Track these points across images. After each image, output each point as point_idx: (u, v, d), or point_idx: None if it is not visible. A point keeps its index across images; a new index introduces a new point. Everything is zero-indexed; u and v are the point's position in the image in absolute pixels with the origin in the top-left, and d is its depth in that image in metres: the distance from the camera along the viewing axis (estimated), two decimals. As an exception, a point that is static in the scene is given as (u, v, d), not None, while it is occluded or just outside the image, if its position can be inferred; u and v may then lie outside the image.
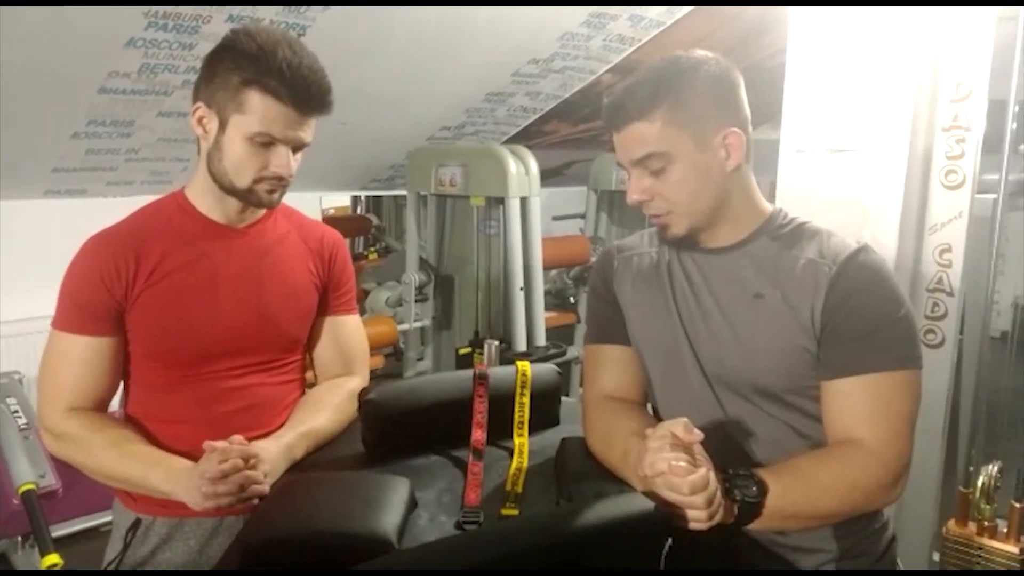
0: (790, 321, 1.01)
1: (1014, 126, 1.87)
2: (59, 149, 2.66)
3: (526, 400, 1.28)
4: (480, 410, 1.24)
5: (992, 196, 1.97)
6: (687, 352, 1.08)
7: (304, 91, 1.12)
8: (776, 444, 1.04)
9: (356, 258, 5.57)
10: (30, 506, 1.74)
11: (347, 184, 4.05)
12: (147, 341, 1.22)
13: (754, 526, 0.93)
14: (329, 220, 4.74)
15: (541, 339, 2.97)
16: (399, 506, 0.98)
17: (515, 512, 1.02)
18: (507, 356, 2.85)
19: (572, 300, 3.95)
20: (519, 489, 1.09)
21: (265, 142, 1.14)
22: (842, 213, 1.87)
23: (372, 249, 5.38)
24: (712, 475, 0.86)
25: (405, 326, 3.09)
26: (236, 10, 2.28)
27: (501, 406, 1.26)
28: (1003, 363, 3.04)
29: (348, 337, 1.38)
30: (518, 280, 2.86)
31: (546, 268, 3.35)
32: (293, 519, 0.94)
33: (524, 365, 1.31)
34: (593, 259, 3.78)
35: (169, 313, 1.21)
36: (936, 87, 1.79)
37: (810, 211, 1.85)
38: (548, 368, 1.36)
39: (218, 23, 2.29)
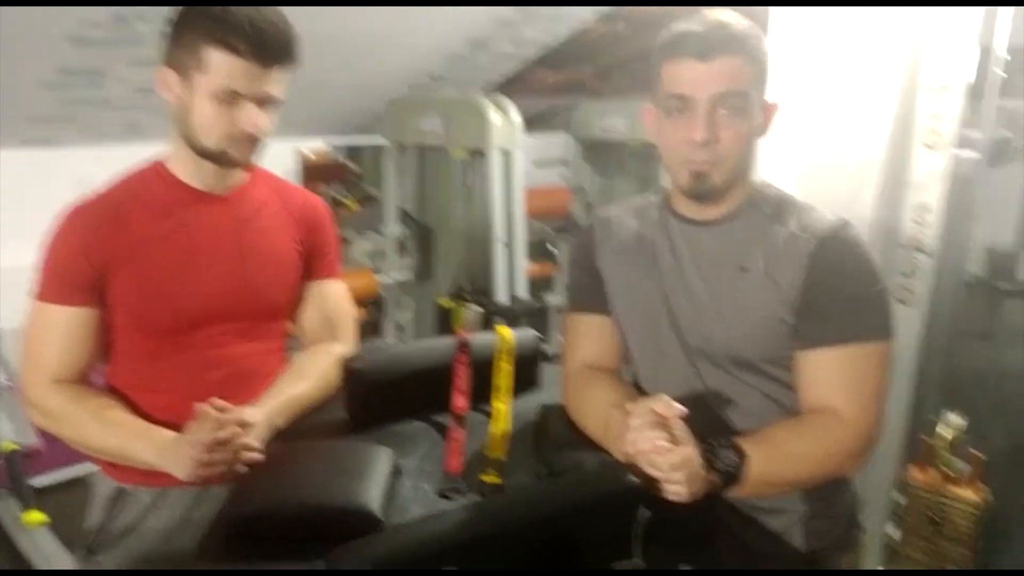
0: (771, 294, 1.03)
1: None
2: (27, 98, 2.59)
3: (506, 365, 1.30)
4: (462, 376, 1.26)
5: (974, 155, 1.98)
6: (667, 322, 1.10)
7: (262, 43, 1.10)
8: (753, 412, 1.08)
9: (335, 204, 5.52)
10: (13, 467, 1.74)
11: (325, 130, 3.99)
12: (129, 310, 1.22)
13: (733, 494, 0.96)
14: (306, 167, 4.66)
15: (523, 291, 2.98)
16: (382, 476, 1.00)
17: (497, 480, 1.05)
18: (489, 309, 2.88)
19: (554, 250, 3.96)
20: (501, 456, 1.11)
21: (229, 99, 1.12)
22: (823, 170, 1.88)
23: (350, 196, 5.30)
24: (693, 451, 0.89)
25: (385, 278, 3.09)
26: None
27: (482, 373, 1.28)
28: (976, 308, 3.10)
29: (333, 303, 1.38)
30: (500, 232, 2.86)
31: (528, 218, 3.34)
32: (278, 491, 0.96)
33: (505, 331, 1.33)
34: (574, 209, 3.78)
35: (151, 282, 1.21)
36: (922, 45, 1.78)
37: (792, 169, 1.90)
38: (529, 334, 1.38)
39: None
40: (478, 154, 2.91)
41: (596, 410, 1.07)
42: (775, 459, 0.97)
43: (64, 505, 1.52)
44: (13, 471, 1.74)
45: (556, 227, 3.91)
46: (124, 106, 2.86)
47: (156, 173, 1.25)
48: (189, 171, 1.23)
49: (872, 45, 1.78)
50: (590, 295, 1.19)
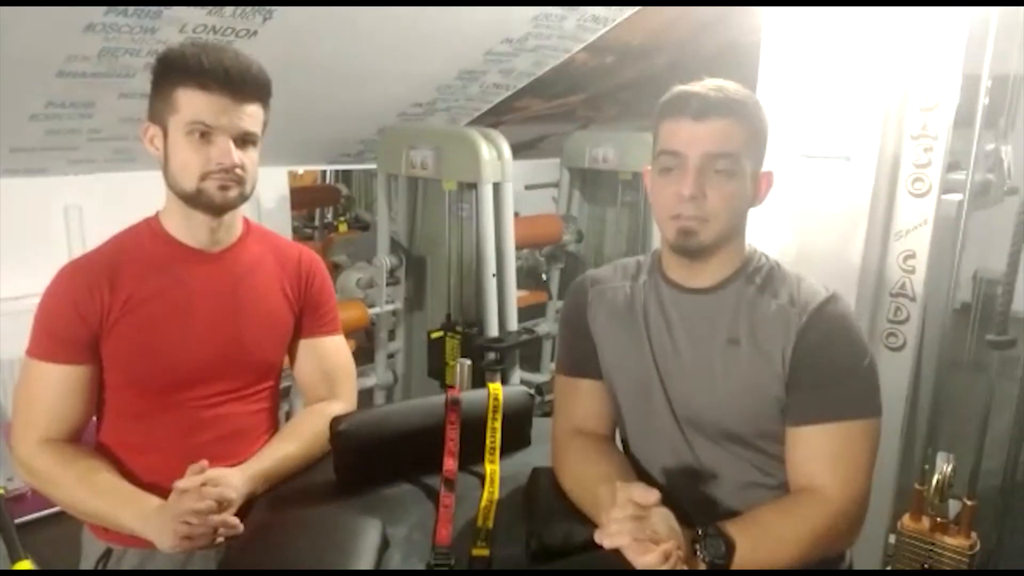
0: (762, 369, 1.03)
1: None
2: (16, 130, 2.58)
3: (498, 425, 1.30)
4: (452, 438, 1.25)
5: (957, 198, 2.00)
6: (658, 391, 1.10)
7: (229, 78, 1.13)
8: (742, 483, 1.07)
9: (326, 227, 5.53)
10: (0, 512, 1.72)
11: (315, 158, 3.99)
12: (122, 369, 1.22)
13: None
14: (298, 190, 4.67)
15: (513, 324, 2.98)
16: (370, 552, 0.99)
17: (485, 553, 1.04)
18: (479, 342, 2.87)
19: (544, 278, 3.96)
20: (490, 524, 1.11)
21: (202, 132, 1.13)
22: (811, 218, 1.89)
23: (342, 219, 5.32)
24: (673, 547, 0.87)
25: (376, 309, 3.08)
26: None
27: (473, 431, 1.28)
28: (963, 335, 3.10)
29: (332, 359, 1.38)
30: (490, 266, 2.85)
31: (519, 248, 3.35)
32: (265, 569, 0.95)
33: (496, 388, 1.33)
34: (565, 237, 3.79)
35: (144, 341, 1.20)
36: (907, 95, 1.79)
37: (780, 216, 1.91)
38: (519, 390, 1.38)
39: (181, 8, 2.22)
40: (469, 186, 2.91)
41: (585, 483, 1.07)
42: (763, 545, 0.97)
43: (53, 539, 1.50)
44: (0, 517, 1.72)
45: (547, 254, 3.92)
46: (113, 136, 2.85)
47: (149, 229, 1.25)
48: (180, 227, 1.24)
49: (858, 92, 1.80)
50: (581, 358, 1.18)
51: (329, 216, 5.52)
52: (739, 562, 0.94)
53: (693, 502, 1.07)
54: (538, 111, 4.10)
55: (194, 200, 1.18)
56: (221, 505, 1.08)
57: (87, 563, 1.28)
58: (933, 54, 1.75)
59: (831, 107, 1.83)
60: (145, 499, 1.14)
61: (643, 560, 0.85)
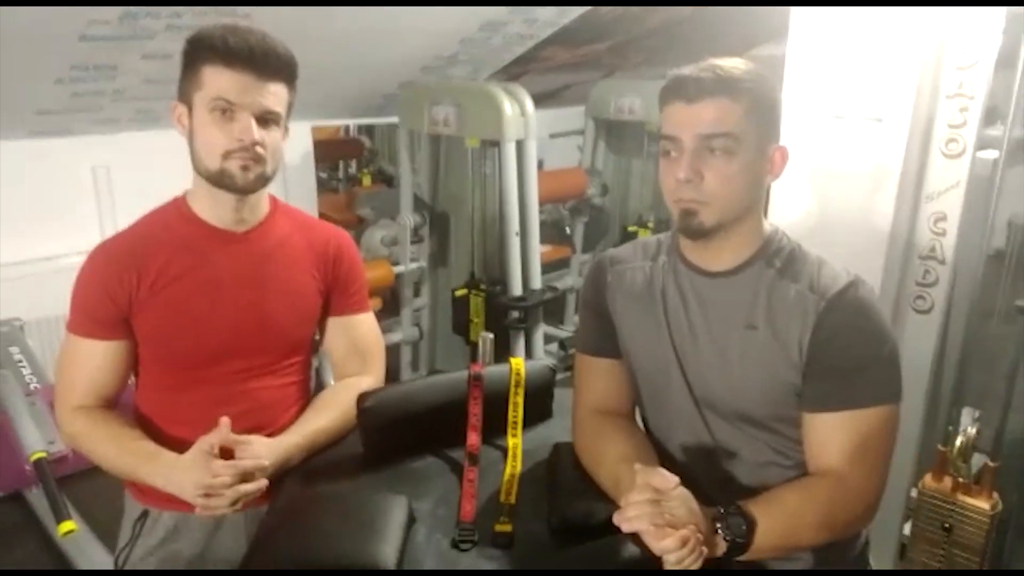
0: (779, 356, 1.03)
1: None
2: (43, 93, 2.60)
3: (520, 400, 1.31)
4: (475, 413, 1.28)
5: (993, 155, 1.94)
6: (676, 372, 1.11)
7: (253, 56, 1.14)
8: (759, 463, 1.09)
9: (350, 180, 5.52)
10: (42, 474, 1.81)
11: (338, 113, 3.96)
12: (152, 345, 1.27)
13: (736, 557, 0.97)
14: (320, 144, 4.66)
15: (537, 282, 2.98)
16: (397, 529, 1.03)
17: (508, 529, 1.07)
18: (503, 300, 2.89)
19: (568, 231, 3.95)
20: (512, 500, 1.14)
21: (224, 109, 1.15)
22: (840, 180, 1.86)
23: (365, 172, 5.31)
24: (690, 532, 0.88)
25: (401, 267, 3.11)
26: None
27: (495, 405, 1.30)
28: (996, 282, 3.02)
29: (362, 336, 1.40)
30: (514, 224, 2.85)
31: (543, 203, 3.33)
32: (296, 546, 0.99)
33: (518, 363, 1.34)
34: (590, 191, 3.75)
35: (172, 319, 1.24)
36: (943, 53, 1.73)
37: (809, 178, 1.87)
38: (541, 364, 1.39)
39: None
40: (492, 143, 2.89)
41: (606, 462, 1.09)
42: (783, 525, 0.98)
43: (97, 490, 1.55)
44: (44, 480, 1.81)
45: (571, 208, 3.90)
46: (137, 96, 2.86)
47: (177, 210, 1.28)
48: (206, 208, 1.26)
49: (891, 50, 1.74)
50: (600, 338, 1.19)
51: (353, 168, 5.51)
52: (758, 541, 0.95)
53: (711, 480, 1.09)
54: (563, 60, 4.02)
55: (218, 180, 1.20)
56: (248, 475, 1.12)
57: (128, 522, 1.35)
58: (972, 9, 1.68)
59: (863, 66, 1.77)
60: (165, 455, 1.19)
61: (661, 545, 0.87)
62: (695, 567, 0.88)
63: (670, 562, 0.88)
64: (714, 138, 1.00)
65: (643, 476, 0.91)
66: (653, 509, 0.89)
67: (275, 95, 1.18)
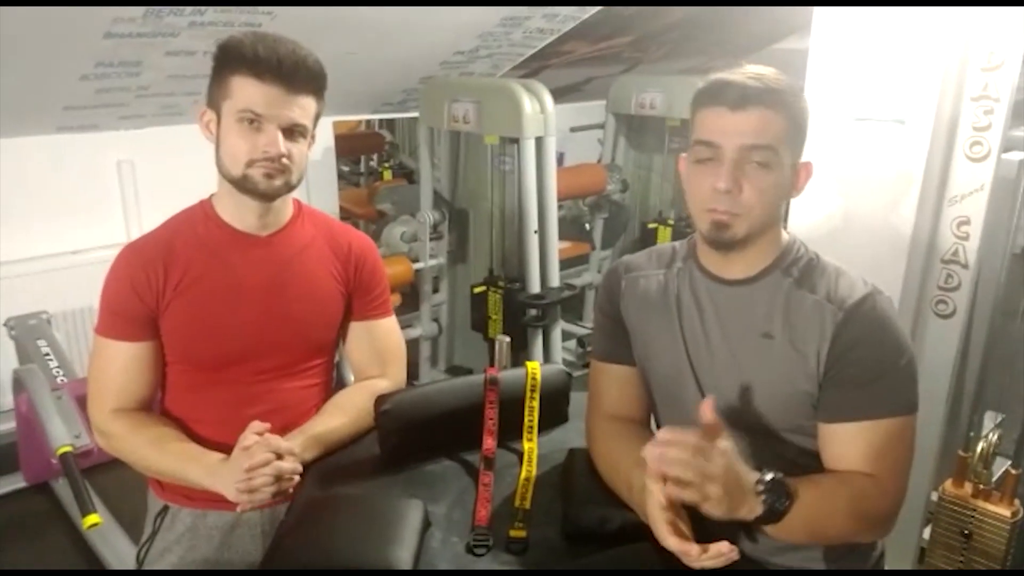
0: (796, 366, 1.03)
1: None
2: (69, 90, 2.64)
3: (535, 404, 1.32)
4: (491, 416, 1.29)
5: (1019, 156, 1.92)
6: (690, 380, 1.11)
7: (282, 69, 1.15)
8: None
9: (371, 175, 5.55)
10: (68, 468, 1.84)
11: (358, 108, 3.98)
12: (176, 346, 1.29)
13: (761, 531, 0.96)
14: (341, 138, 4.68)
15: (555, 280, 2.98)
16: (412, 533, 1.04)
17: (523, 534, 1.08)
18: (521, 298, 2.89)
19: (588, 228, 3.94)
20: (527, 505, 1.14)
21: (251, 120, 1.16)
22: (862, 183, 1.84)
23: (386, 166, 5.33)
24: (731, 463, 0.88)
25: (420, 264, 3.12)
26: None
27: (511, 409, 1.31)
28: (1021, 279, 2.96)
29: (383, 340, 1.41)
30: (532, 222, 2.85)
31: (562, 199, 3.32)
32: (313, 548, 1.01)
33: (534, 367, 1.35)
34: (610, 187, 3.74)
35: (195, 320, 1.26)
36: (967, 54, 1.71)
37: (831, 181, 1.86)
38: (557, 369, 1.39)
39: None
40: (512, 140, 2.89)
41: (620, 468, 1.09)
42: (820, 507, 0.96)
43: (122, 480, 1.58)
44: (70, 474, 1.84)
45: (591, 204, 3.89)
46: (161, 92, 2.89)
47: (202, 213, 1.30)
48: (230, 211, 1.28)
49: (915, 51, 1.72)
50: (615, 345, 1.19)
51: (374, 162, 5.53)
52: (792, 517, 0.93)
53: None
54: (583, 54, 4.00)
55: (241, 185, 1.22)
56: (280, 456, 1.13)
57: (150, 516, 1.38)
58: (997, 9, 1.65)
59: (886, 67, 1.76)
60: (209, 455, 1.22)
61: (672, 543, 0.88)
62: (733, 510, 0.88)
63: (706, 499, 0.87)
64: (756, 150, 1.00)
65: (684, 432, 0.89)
66: (692, 457, 0.87)
67: (303, 108, 1.19)
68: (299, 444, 1.22)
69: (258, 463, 1.12)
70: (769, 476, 0.93)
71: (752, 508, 0.92)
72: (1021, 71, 1.69)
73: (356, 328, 1.40)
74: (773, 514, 0.93)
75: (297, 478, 1.15)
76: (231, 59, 1.17)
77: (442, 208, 3.17)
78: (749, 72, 1.01)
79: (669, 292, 1.14)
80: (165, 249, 1.26)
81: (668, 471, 0.88)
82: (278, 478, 1.13)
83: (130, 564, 2.07)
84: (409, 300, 3.53)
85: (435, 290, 3.44)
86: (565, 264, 3.57)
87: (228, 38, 1.19)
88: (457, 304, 3.39)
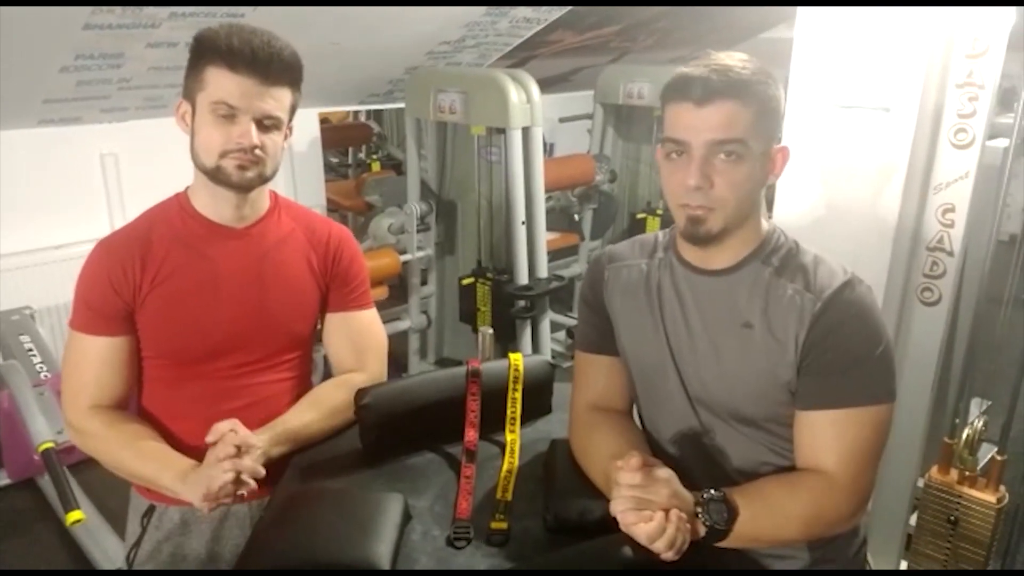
0: (775, 355, 1.02)
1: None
2: (49, 82, 2.60)
3: (518, 396, 1.32)
4: (473, 409, 1.28)
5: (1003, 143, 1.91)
6: (671, 370, 1.10)
7: (253, 59, 1.14)
8: (755, 463, 1.08)
9: (359, 166, 5.52)
10: (50, 464, 1.83)
11: (344, 99, 3.95)
12: (153, 340, 1.27)
13: (716, 545, 0.97)
14: (328, 129, 4.66)
15: (543, 271, 2.98)
16: (392, 527, 1.03)
17: (504, 526, 1.07)
18: (510, 289, 2.88)
19: (577, 218, 3.93)
20: (508, 497, 1.14)
21: (225, 113, 1.15)
22: (846, 171, 1.83)
23: (374, 157, 5.30)
24: (672, 515, 0.89)
25: (408, 256, 3.11)
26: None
27: (494, 401, 1.30)
28: (1008, 267, 2.97)
29: (362, 332, 1.40)
30: (520, 213, 2.84)
31: (551, 190, 3.31)
32: (292, 544, 1.00)
33: (516, 359, 1.34)
34: (598, 178, 3.73)
35: (172, 314, 1.25)
36: (952, 41, 1.70)
37: (815, 169, 1.85)
38: (540, 360, 1.39)
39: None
40: (498, 130, 2.87)
41: (598, 459, 1.09)
42: (764, 518, 0.98)
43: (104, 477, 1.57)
44: (52, 470, 1.83)
45: (580, 195, 3.88)
46: (143, 84, 2.86)
47: (178, 205, 1.29)
48: (206, 203, 1.27)
49: (899, 38, 1.71)
50: (598, 335, 1.18)
51: (362, 154, 5.50)
52: (739, 530, 0.95)
53: (705, 478, 1.08)
54: (571, 44, 3.98)
55: (214, 177, 1.20)
56: (241, 450, 1.12)
57: (135, 516, 1.36)
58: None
59: (870, 55, 1.74)
60: (183, 461, 1.20)
61: (643, 532, 0.88)
62: (680, 549, 0.90)
63: (658, 548, 0.88)
64: (724, 144, 0.98)
65: (623, 463, 0.92)
66: (636, 494, 0.90)
67: (277, 100, 1.18)
68: (267, 440, 1.21)
69: (221, 455, 1.10)
70: (706, 494, 0.96)
71: (696, 529, 0.94)
72: (1006, 58, 1.68)
73: (334, 320, 1.38)
74: (715, 533, 0.95)
75: (254, 483, 1.11)
76: (206, 51, 1.16)
77: (429, 199, 3.15)
78: (714, 64, 0.99)
79: (651, 282, 1.13)
80: (142, 242, 1.25)
81: (623, 519, 0.90)
82: (238, 477, 1.10)
83: (117, 559, 2.05)
84: (397, 292, 3.51)
85: (423, 282, 3.43)
86: (554, 255, 3.57)
87: (204, 29, 1.18)
88: (445, 296, 3.38)
